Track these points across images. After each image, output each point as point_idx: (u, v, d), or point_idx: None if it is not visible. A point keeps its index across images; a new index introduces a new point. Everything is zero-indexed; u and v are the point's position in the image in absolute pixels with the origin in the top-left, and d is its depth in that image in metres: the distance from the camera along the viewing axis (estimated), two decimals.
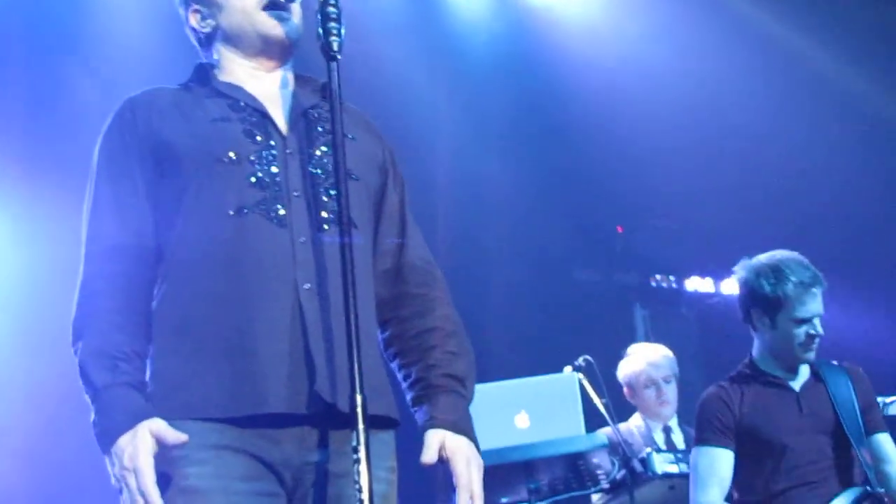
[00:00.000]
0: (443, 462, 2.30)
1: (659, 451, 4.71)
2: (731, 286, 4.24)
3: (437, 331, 2.42)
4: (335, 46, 2.27)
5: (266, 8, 2.42)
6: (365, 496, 2.04)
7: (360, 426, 2.07)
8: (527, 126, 7.32)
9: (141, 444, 2.13)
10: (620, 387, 5.49)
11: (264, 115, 2.38)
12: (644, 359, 5.48)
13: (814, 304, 3.91)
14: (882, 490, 3.87)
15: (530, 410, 4.40)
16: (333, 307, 2.22)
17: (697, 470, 3.98)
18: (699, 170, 7.39)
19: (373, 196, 2.46)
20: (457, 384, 2.38)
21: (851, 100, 7.19)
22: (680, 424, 5.46)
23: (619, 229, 8.34)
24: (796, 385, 4.02)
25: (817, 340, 3.94)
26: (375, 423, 2.18)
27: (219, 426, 2.17)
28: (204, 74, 2.47)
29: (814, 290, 3.90)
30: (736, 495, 4.00)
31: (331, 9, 2.28)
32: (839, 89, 7.17)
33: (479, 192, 7.36)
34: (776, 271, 3.92)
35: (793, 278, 3.90)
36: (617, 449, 4.55)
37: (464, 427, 2.35)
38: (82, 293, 2.27)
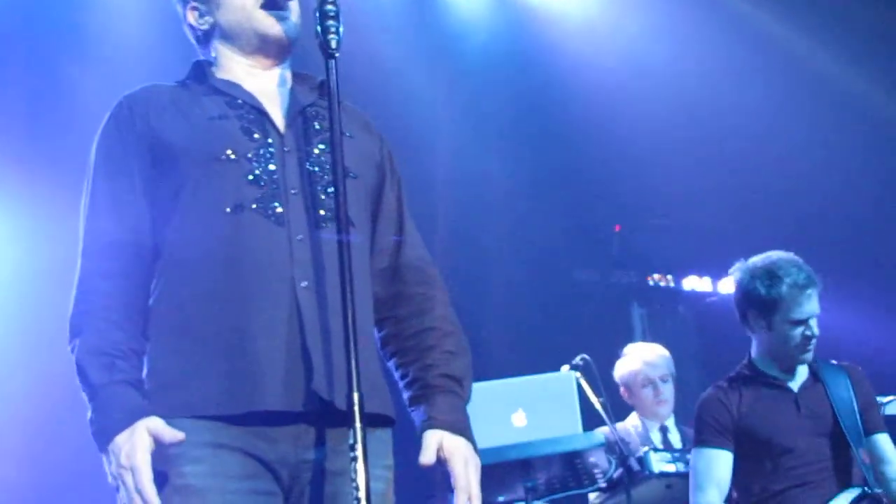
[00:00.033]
0: (441, 463, 2.30)
1: (656, 450, 4.72)
2: (728, 285, 4.23)
3: (435, 330, 2.42)
4: (333, 45, 2.26)
5: (264, 6, 2.42)
6: (362, 494, 2.04)
7: (358, 424, 2.07)
8: (526, 125, 7.32)
9: (138, 442, 2.13)
10: (617, 386, 5.50)
11: (262, 113, 2.38)
12: (641, 358, 5.49)
13: (809, 306, 3.91)
14: (880, 490, 3.87)
15: (527, 409, 4.40)
16: (331, 305, 2.22)
17: (696, 471, 3.98)
18: (697, 169, 7.39)
19: (370, 194, 2.46)
20: (454, 384, 2.38)
21: (851, 100, 7.19)
22: (677, 424, 5.47)
23: (617, 228, 8.34)
24: (795, 386, 4.02)
25: (814, 341, 3.94)
26: (372, 421, 2.19)
27: (215, 424, 2.17)
28: (201, 72, 2.47)
29: (809, 291, 3.90)
30: (735, 495, 4.00)
31: (329, 7, 2.28)
32: (839, 89, 7.17)
33: (478, 191, 7.36)
34: (771, 273, 3.93)
35: (787, 280, 3.90)
36: (614, 448, 4.55)
37: (461, 427, 2.35)
38: (79, 290, 2.27)
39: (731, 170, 7.42)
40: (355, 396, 2.08)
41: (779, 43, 7.13)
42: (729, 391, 4.02)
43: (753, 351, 4.08)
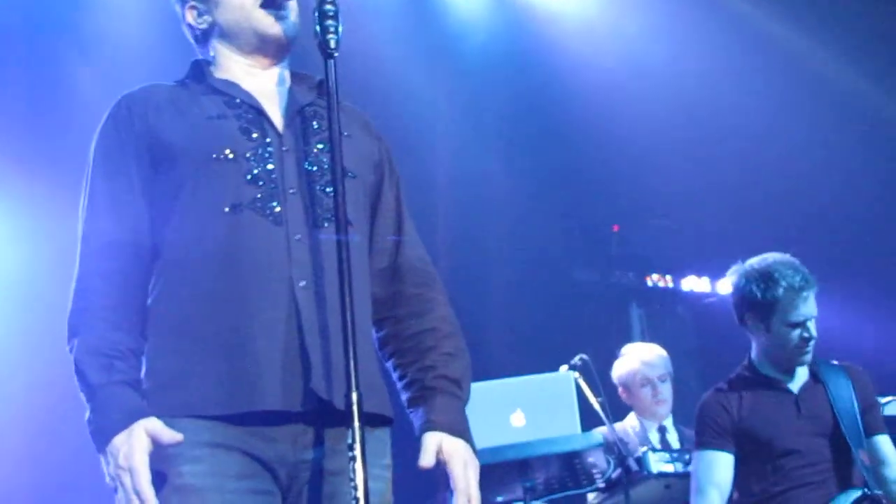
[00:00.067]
0: (440, 465, 2.31)
1: (654, 450, 4.71)
2: (727, 286, 4.23)
3: (434, 332, 2.42)
4: (332, 44, 2.27)
5: (263, 5, 2.42)
6: (360, 494, 2.04)
7: (356, 424, 2.07)
8: (525, 126, 7.32)
9: (136, 443, 2.12)
10: (616, 386, 5.50)
11: (260, 113, 2.38)
12: (639, 358, 5.49)
13: (805, 308, 3.91)
14: (880, 492, 3.87)
15: (526, 409, 4.40)
16: (329, 305, 2.22)
17: (697, 474, 3.99)
18: (697, 169, 7.39)
19: (369, 194, 2.46)
20: (453, 386, 2.38)
21: (850, 100, 7.19)
22: (675, 424, 5.47)
23: (616, 228, 8.34)
24: (794, 387, 4.02)
25: (812, 343, 3.94)
26: (370, 420, 2.19)
27: (213, 424, 2.17)
28: (200, 71, 2.47)
29: (805, 293, 3.90)
30: (736, 496, 4.00)
31: (328, 7, 2.28)
32: (838, 89, 7.17)
33: (478, 191, 7.36)
34: (767, 276, 3.92)
35: (783, 283, 3.89)
36: (612, 448, 4.55)
37: (460, 429, 2.35)
38: (78, 290, 2.27)
39: (730, 170, 7.42)
40: (354, 396, 2.08)
41: (778, 43, 7.13)
42: (729, 393, 4.02)
43: (753, 352, 4.08)
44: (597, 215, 8.10)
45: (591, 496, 4.97)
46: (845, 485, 3.89)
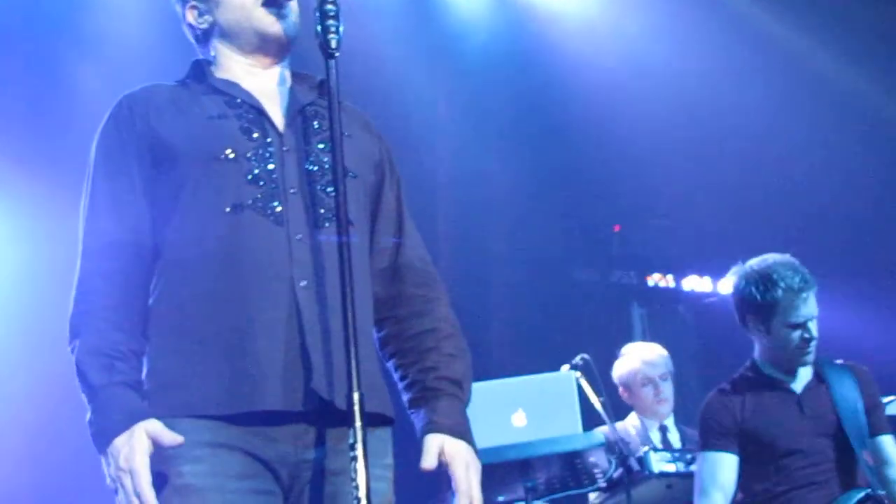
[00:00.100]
0: (442, 466, 2.30)
1: (656, 449, 4.71)
2: (728, 286, 4.22)
3: (435, 332, 2.42)
4: (334, 44, 2.26)
5: (264, 4, 2.41)
6: (362, 493, 2.04)
7: (358, 423, 2.07)
8: (526, 125, 7.32)
9: (137, 444, 2.12)
10: (616, 386, 5.49)
11: (261, 113, 2.38)
12: (640, 357, 5.49)
13: (805, 309, 3.90)
14: (883, 492, 3.86)
15: (527, 409, 4.39)
16: (330, 305, 2.22)
17: (700, 475, 3.99)
18: (698, 169, 7.39)
19: (370, 194, 2.46)
20: (455, 387, 2.38)
21: (851, 99, 7.19)
22: (676, 423, 5.47)
23: (617, 228, 8.34)
24: (797, 387, 4.01)
25: (813, 343, 3.93)
26: (371, 420, 2.18)
27: (214, 424, 2.17)
28: (200, 71, 2.47)
29: (804, 294, 3.89)
30: (739, 496, 4.00)
31: (329, 6, 2.28)
32: (839, 89, 7.16)
33: (478, 191, 7.36)
34: (765, 278, 3.92)
35: (782, 284, 3.89)
36: (614, 448, 4.55)
37: (462, 431, 2.35)
38: (79, 290, 2.27)
39: (731, 170, 7.42)
40: (355, 396, 2.08)
41: (779, 43, 7.13)
42: (732, 394, 4.02)
43: (756, 353, 4.08)
44: (598, 215, 8.10)
45: (592, 496, 4.96)
46: (849, 485, 3.88)
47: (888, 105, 7.19)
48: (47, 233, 5.16)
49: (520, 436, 4.31)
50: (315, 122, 2.40)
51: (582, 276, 8.36)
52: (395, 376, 2.45)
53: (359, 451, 2.06)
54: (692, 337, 8.51)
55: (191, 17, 2.50)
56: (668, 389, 5.43)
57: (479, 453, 2.38)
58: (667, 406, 5.42)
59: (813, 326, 3.93)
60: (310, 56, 2.43)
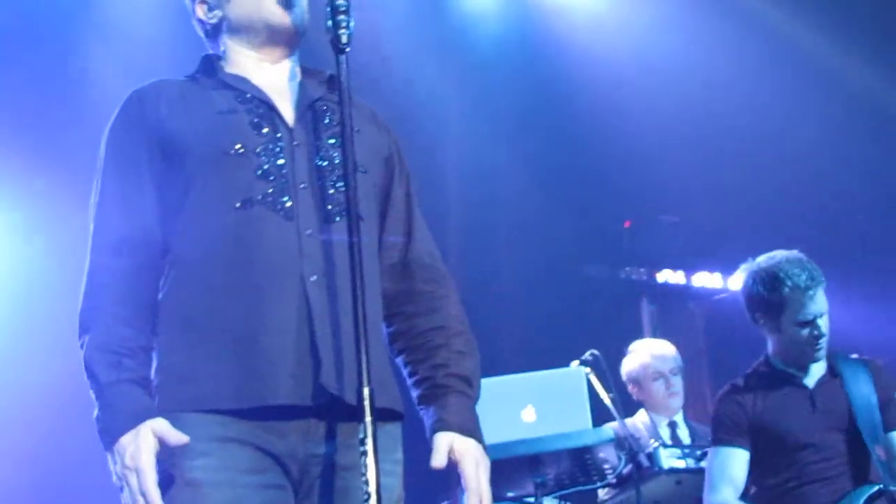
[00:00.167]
0: (451, 464, 2.31)
1: (665, 445, 4.71)
2: (738, 282, 4.22)
3: (444, 329, 2.42)
4: (344, 39, 2.27)
5: None
6: (372, 488, 2.04)
7: (368, 419, 2.07)
8: (535, 121, 7.31)
9: (143, 443, 2.12)
10: (626, 383, 5.49)
11: (271, 108, 2.38)
12: (649, 352, 5.49)
13: (813, 306, 3.89)
14: (895, 488, 3.85)
15: (537, 405, 4.39)
16: (340, 300, 2.22)
17: (711, 470, 4.00)
18: (708, 165, 7.38)
19: (379, 189, 2.46)
20: (464, 385, 2.38)
21: (861, 96, 7.17)
22: (686, 420, 5.46)
23: (627, 224, 8.33)
24: (810, 382, 4.01)
25: (823, 340, 3.93)
26: (381, 415, 2.18)
27: (224, 418, 2.17)
28: (210, 66, 2.47)
29: (811, 291, 3.88)
30: (753, 490, 4.01)
31: (340, 2, 2.28)
32: (850, 86, 7.14)
33: (489, 186, 7.35)
34: (772, 277, 3.91)
35: (788, 283, 3.88)
36: (623, 444, 4.54)
37: (471, 429, 2.35)
38: (88, 286, 2.27)
39: (741, 166, 7.41)
40: (366, 391, 2.08)
41: (790, 39, 7.11)
42: (744, 389, 4.02)
43: (769, 348, 4.08)
44: (608, 211, 8.09)
45: (601, 492, 4.96)
46: (861, 480, 3.88)
47: None
48: (58, 227, 5.16)
49: (529, 431, 4.30)
50: (325, 118, 2.40)
51: (592, 272, 8.35)
52: (405, 373, 2.45)
53: (369, 446, 2.06)
54: (702, 333, 8.50)
55: (200, 12, 2.50)
56: (678, 383, 5.43)
57: (489, 449, 2.38)
58: (678, 400, 5.41)
59: (822, 323, 3.92)
60: (319, 51, 2.42)
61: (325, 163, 2.34)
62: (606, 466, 4.46)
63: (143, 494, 2.10)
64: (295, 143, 2.34)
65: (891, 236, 7.41)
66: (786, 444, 3.90)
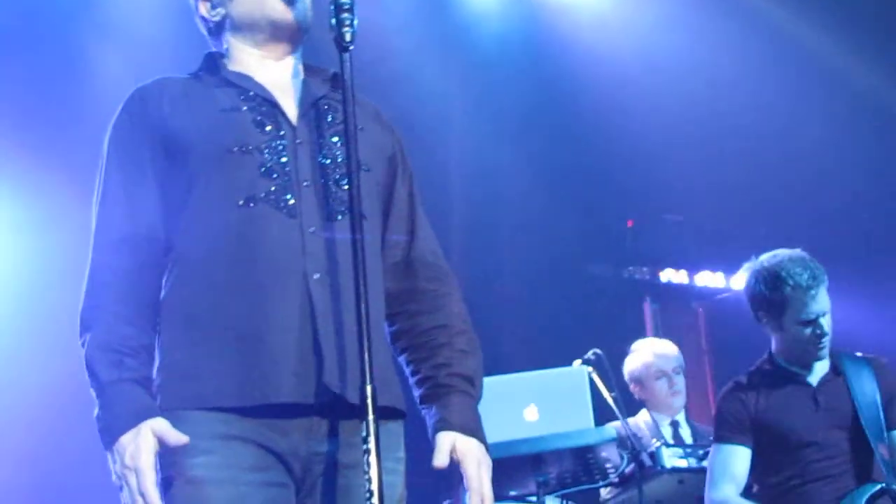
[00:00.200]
0: (453, 464, 2.30)
1: (668, 445, 4.71)
2: (741, 282, 4.22)
3: (446, 328, 2.42)
4: (348, 37, 2.26)
5: None
6: (374, 487, 2.04)
7: (370, 417, 2.07)
8: (539, 119, 7.31)
9: (143, 443, 2.12)
10: (628, 383, 5.49)
11: (274, 105, 2.37)
12: (652, 351, 5.50)
13: (815, 305, 3.89)
14: None
15: (539, 404, 4.38)
16: (343, 298, 2.22)
17: (713, 467, 4.00)
18: (711, 164, 7.38)
19: (382, 188, 2.45)
20: (466, 384, 2.38)
21: (866, 95, 7.16)
22: (688, 419, 5.46)
23: (630, 223, 8.33)
24: (813, 380, 4.01)
25: (825, 338, 3.92)
26: (384, 413, 2.18)
27: (227, 416, 2.17)
28: (213, 64, 2.47)
29: (813, 291, 3.87)
30: (755, 488, 4.01)
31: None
32: (854, 84, 7.14)
33: (492, 185, 7.35)
34: (774, 276, 3.91)
35: (790, 282, 3.88)
36: (626, 443, 4.55)
37: (473, 428, 2.35)
38: (90, 284, 2.27)
39: (745, 165, 7.41)
40: (368, 389, 2.08)
41: (794, 38, 7.10)
42: (747, 386, 4.02)
43: (773, 346, 4.08)
44: (611, 210, 8.09)
45: (604, 491, 4.96)
46: (864, 478, 3.87)
47: None
48: (60, 225, 5.16)
49: (531, 430, 4.30)
50: (328, 116, 2.40)
51: (595, 272, 8.35)
52: (407, 371, 2.44)
53: (371, 444, 2.06)
54: (705, 333, 8.50)
55: (203, 9, 2.50)
56: (680, 383, 5.44)
57: (491, 448, 2.38)
58: (680, 399, 5.42)
59: (825, 322, 3.92)
60: (322, 48, 2.42)
61: (329, 161, 2.34)
62: (609, 466, 4.46)
63: (143, 494, 2.10)
64: (298, 140, 2.34)
65: (895, 235, 7.40)
66: (789, 442, 3.89)
